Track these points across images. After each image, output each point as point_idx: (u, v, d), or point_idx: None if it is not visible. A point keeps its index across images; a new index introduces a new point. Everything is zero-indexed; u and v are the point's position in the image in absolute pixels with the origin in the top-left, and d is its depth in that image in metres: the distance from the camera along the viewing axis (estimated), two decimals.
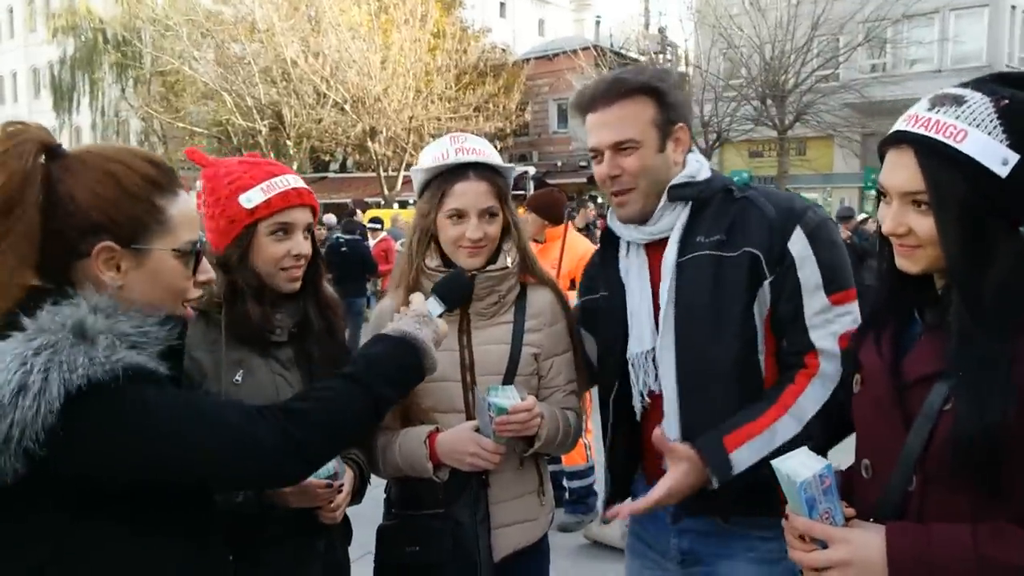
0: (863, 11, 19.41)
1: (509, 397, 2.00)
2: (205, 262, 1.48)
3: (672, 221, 2.07)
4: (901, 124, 1.42)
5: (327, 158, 30.15)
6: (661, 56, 24.21)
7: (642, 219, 2.09)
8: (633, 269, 2.13)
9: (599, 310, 2.23)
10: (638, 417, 2.12)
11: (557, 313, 2.25)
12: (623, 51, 26.45)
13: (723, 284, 1.96)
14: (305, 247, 2.03)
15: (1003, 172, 1.33)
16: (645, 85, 2.03)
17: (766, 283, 1.94)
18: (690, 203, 2.06)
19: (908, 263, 1.46)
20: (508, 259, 2.19)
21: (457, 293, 1.98)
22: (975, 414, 1.31)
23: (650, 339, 2.06)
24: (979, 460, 1.31)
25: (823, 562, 1.43)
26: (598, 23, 33.97)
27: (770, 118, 21.35)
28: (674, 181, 2.06)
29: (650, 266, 2.11)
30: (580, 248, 5.15)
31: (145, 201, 1.35)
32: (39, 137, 1.30)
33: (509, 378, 2.13)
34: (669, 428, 2.00)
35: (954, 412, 1.35)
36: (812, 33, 19.80)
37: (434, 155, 2.18)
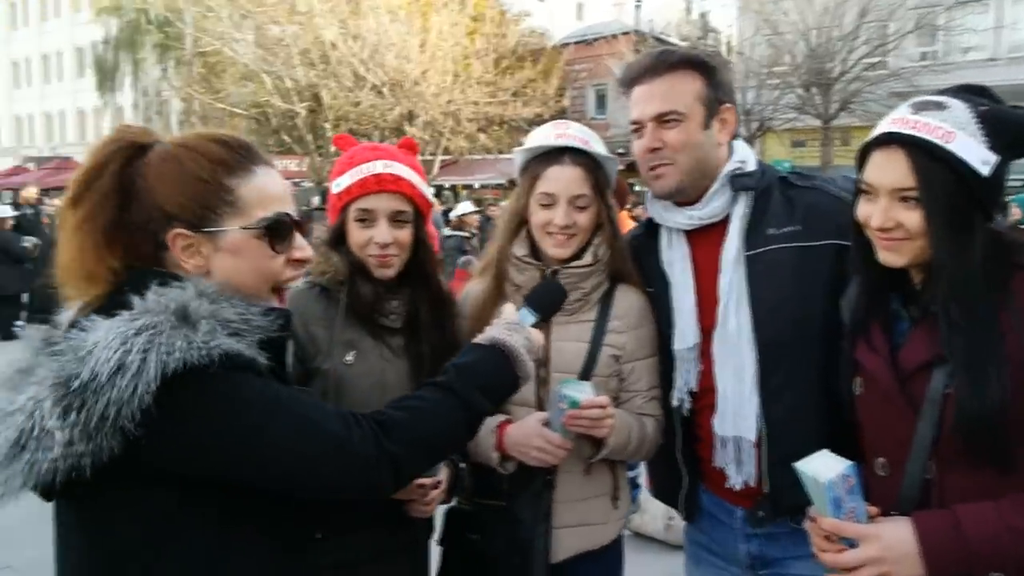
0: None
1: (583, 391, 1.93)
2: (300, 239, 1.43)
3: (723, 207, 2.02)
4: (887, 126, 1.54)
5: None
6: (702, 42, 23.82)
7: (677, 196, 2.03)
8: (676, 262, 2.08)
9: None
10: (684, 412, 2.08)
11: (644, 316, 2.15)
12: (663, 36, 26.05)
13: (807, 277, 1.91)
14: (388, 236, 1.98)
15: (984, 171, 1.46)
16: (694, 59, 2.01)
17: None
18: (752, 192, 1.99)
19: (893, 256, 1.55)
20: (595, 254, 2.10)
21: (550, 303, 1.92)
22: (974, 395, 1.40)
23: (693, 335, 2.02)
24: (987, 437, 1.40)
25: (856, 561, 1.46)
26: (638, 7, 33.48)
27: (814, 107, 20.91)
28: (731, 168, 2.01)
29: (693, 257, 2.06)
30: None
31: (211, 183, 1.33)
32: (133, 135, 1.34)
33: (584, 377, 2.06)
34: (733, 424, 1.96)
35: (955, 395, 1.44)
36: (860, 20, 19.34)
37: (536, 138, 2.13)
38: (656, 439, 2.14)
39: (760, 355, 1.93)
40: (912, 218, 1.49)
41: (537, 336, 1.66)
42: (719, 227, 2.02)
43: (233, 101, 25.97)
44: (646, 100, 1.99)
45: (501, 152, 25.92)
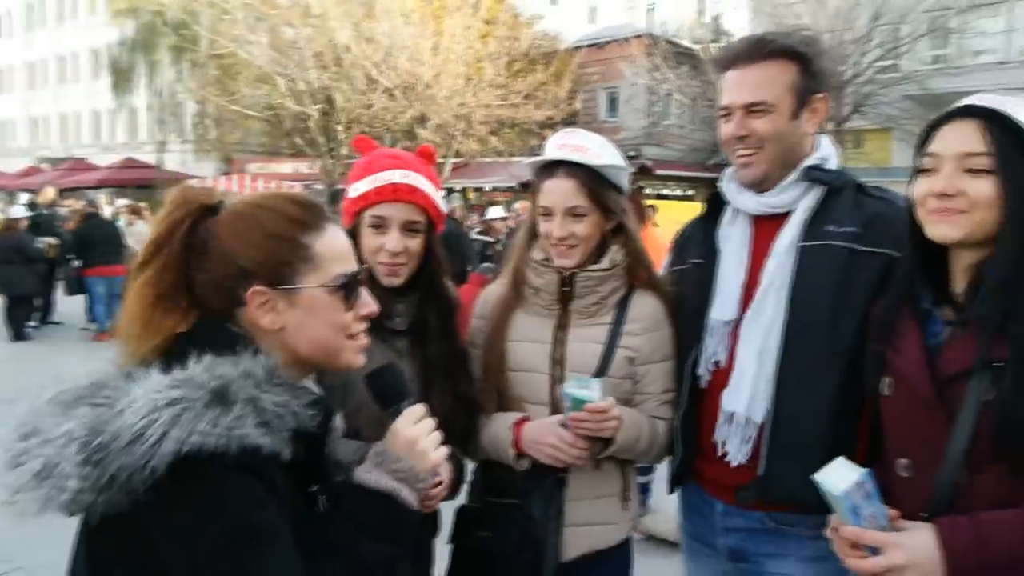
0: (927, 0, 18.79)
1: (590, 389, 1.96)
2: (365, 294, 1.45)
3: (794, 198, 2.02)
4: (957, 105, 1.57)
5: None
6: (715, 45, 23.79)
7: (761, 185, 2.04)
8: (734, 238, 2.10)
9: (687, 276, 2.18)
10: (703, 384, 2.10)
11: (661, 320, 2.19)
12: (676, 39, 26.04)
13: (852, 279, 1.91)
14: (399, 244, 2.02)
15: None
16: (790, 48, 1.98)
17: None
18: (824, 187, 2.00)
19: (948, 228, 1.53)
20: (612, 259, 2.15)
21: (395, 392, 1.60)
22: (1020, 403, 1.40)
23: (733, 310, 2.03)
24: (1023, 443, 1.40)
25: (880, 567, 1.47)
26: (650, 11, 33.52)
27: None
28: (811, 161, 2.02)
29: (754, 239, 2.07)
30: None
31: (289, 240, 1.35)
32: (200, 197, 1.38)
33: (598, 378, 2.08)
34: (745, 403, 1.97)
35: (998, 402, 1.43)
36: (873, 23, 19.25)
37: (545, 149, 2.18)
38: (666, 443, 2.18)
39: (786, 343, 1.94)
40: (978, 187, 1.49)
41: (405, 438, 1.42)
42: (785, 216, 2.03)
43: (247, 103, 26.09)
44: (737, 87, 2.00)
45: (513, 155, 25.96)
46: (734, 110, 2.01)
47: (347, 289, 1.39)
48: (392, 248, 2.01)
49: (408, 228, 2.04)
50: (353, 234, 2.04)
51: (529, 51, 26.13)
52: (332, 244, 1.39)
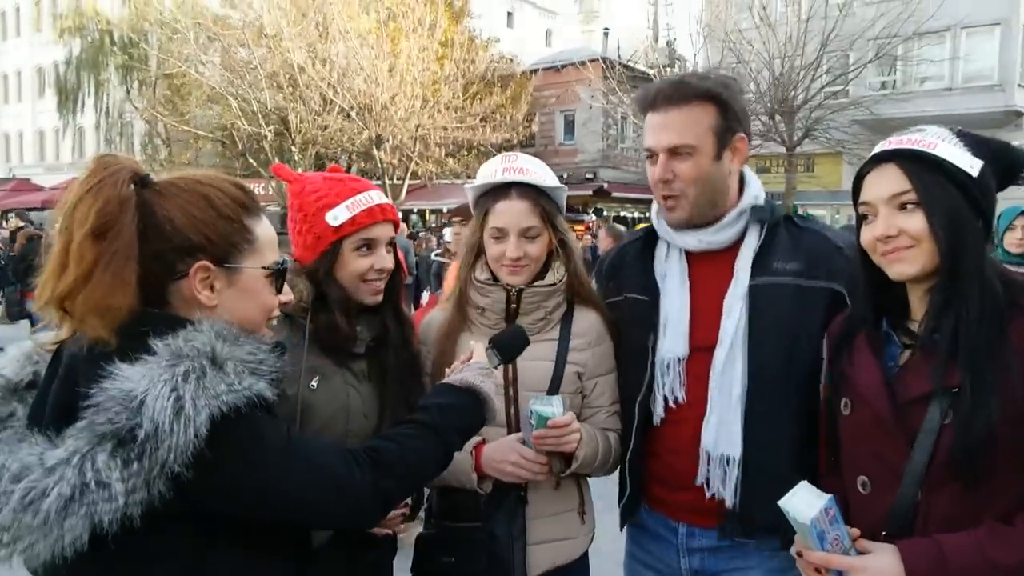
0: (873, 28, 19.34)
1: (553, 405, 2.01)
2: (286, 284, 1.55)
3: (734, 236, 2.08)
4: (874, 152, 1.65)
5: (329, 164, 30.07)
6: (669, 70, 24.15)
7: (688, 224, 2.10)
8: (673, 274, 2.14)
9: (626, 309, 2.23)
10: (656, 421, 2.11)
11: (603, 334, 2.24)
12: (631, 63, 26.38)
13: (802, 312, 1.99)
14: (388, 261, 2.10)
15: (974, 172, 1.54)
16: (709, 91, 2.02)
17: None
18: (765, 226, 2.07)
19: (904, 266, 1.59)
20: (556, 276, 2.20)
21: (515, 348, 1.96)
22: (973, 427, 1.45)
23: (683, 347, 2.07)
24: (978, 466, 1.46)
25: None
26: (606, 35, 33.92)
27: (778, 134, 21.25)
28: (750, 201, 2.09)
29: (691, 275, 2.12)
30: None
31: (236, 222, 1.42)
32: (131, 167, 1.36)
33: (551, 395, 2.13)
34: (716, 442, 2.01)
35: (954, 426, 1.48)
36: (822, 50, 19.71)
37: (485, 173, 2.21)
38: (619, 452, 2.22)
39: (750, 381, 1.99)
40: (912, 221, 1.56)
41: (499, 379, 1.83)
42: (724, 252, 2.10)
43: (198, 123, 25.73)
44: (660, 130, 2.04)
45: (470, 177, 25.93)
46: (658, 153, 2.05)
47: (280, 275, 1.50)
48: (383, 266, 2.08)
49: (390, 244, 2.13)
50: (328, 262, 2.05)
51: (486, 73, 26.30)
52: (267, 231, 1.49)
